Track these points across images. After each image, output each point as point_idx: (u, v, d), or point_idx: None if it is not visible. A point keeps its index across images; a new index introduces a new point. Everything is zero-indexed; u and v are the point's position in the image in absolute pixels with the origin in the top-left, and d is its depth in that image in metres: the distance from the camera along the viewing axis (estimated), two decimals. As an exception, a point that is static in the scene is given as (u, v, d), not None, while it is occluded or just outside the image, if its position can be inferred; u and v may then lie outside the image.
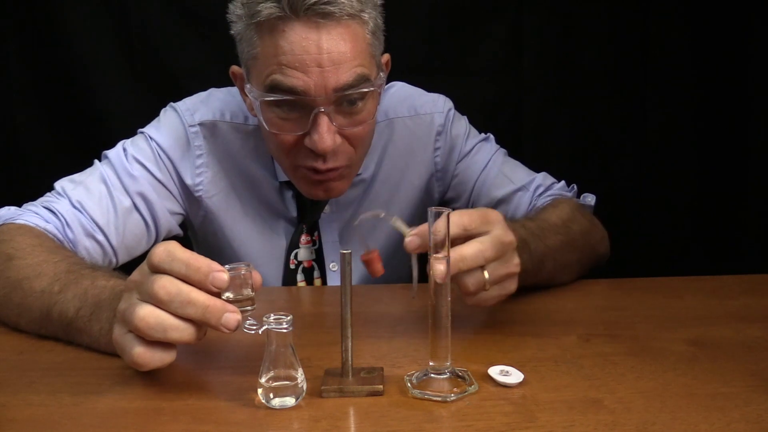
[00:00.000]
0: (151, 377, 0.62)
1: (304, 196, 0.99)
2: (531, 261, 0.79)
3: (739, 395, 0.59)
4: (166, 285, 0.57)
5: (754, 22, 1.48)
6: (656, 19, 1.51)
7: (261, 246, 1.05)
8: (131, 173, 0.96)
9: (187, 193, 1.02)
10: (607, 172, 1.53)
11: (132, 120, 1.41)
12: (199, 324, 0.58)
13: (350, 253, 0.59)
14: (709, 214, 1.57)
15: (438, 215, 0.58)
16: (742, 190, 1.54)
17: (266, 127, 0.90)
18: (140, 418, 0.56)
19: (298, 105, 0.86)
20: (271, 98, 0.86)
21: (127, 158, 0.97)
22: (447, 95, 1.11)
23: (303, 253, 1.04)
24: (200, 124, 1.01)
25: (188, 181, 1.01)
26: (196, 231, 1.08)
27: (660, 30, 1.52)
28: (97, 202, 0.94)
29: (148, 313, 0.57)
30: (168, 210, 1.00)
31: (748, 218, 1.54)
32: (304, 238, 1.04)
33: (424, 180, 1.09)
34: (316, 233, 1.05)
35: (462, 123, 1.11)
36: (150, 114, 1.02)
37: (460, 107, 1.11)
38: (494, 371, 0.62)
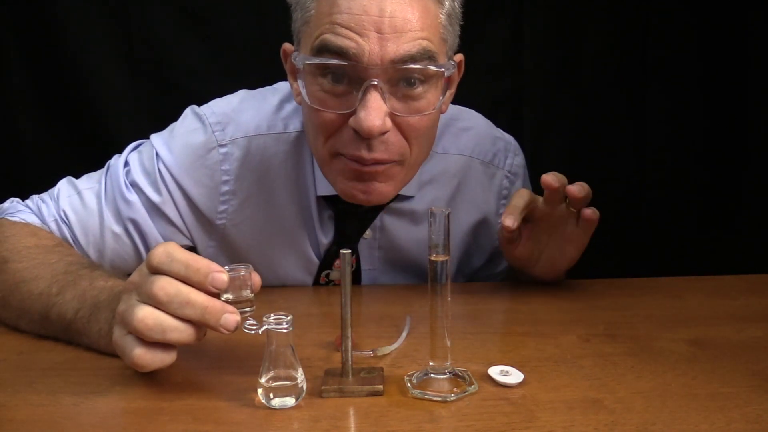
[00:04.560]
0: (151, 377, 0.62)
1: (344, 218, 0.92)
2: None
3: (739, 395, 0.59)
4: (165, 286, 0.57)
5: (754, 21, 1.48)
6: (657, 18, 1.51)
7: (287, 270, 0.96)
8: (126, 198, 0.89)
9: (200, 220, 0.92)
10: (607, 171, 1.53)
11: (132, 120, 1.41)
12: (198, 325, 0.58)
13: (350, 252, 0.59)
14: (710, 213, 1.57)
15: (437, 215, 0.58)
16: (743, 190, 1.54)
17: (308, 101, 0.78)
18: (140, 418, 0.56)
19: (347, 75, 0.75)
20: (317, 61, 0.75)
21: (126, 177, 0.90)
22: None
23: (336, 275, 0.97)
24: (233, 143, 0.90)
25: (205, 208, 0.91)
26: (203, 255, 0.96)
27: (661, 29, 1.52)
28: (84, 218, 0.89)
29: (147, 314, 0.57)
30: (164, 237, 0.91)
31: (748, 218, 1.54)
32: (338, 261, 0.95)
33: (473, 225, 1.01)
34: (354, 256, 0.95)
35: (525, 182, 1.05)
36: (150, 114, 0.99)
37: (461, 106, 1.10)
38: (494, 371, 0.62)
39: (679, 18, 1.51)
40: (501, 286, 0.99)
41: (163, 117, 1.01)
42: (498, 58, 1.51)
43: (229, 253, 0.95)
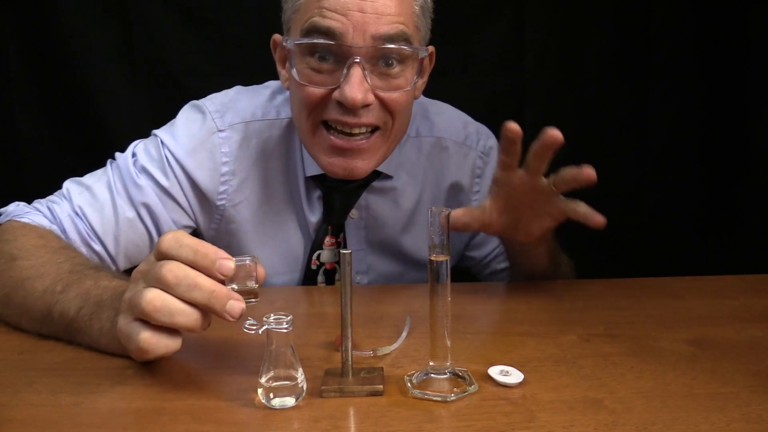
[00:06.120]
0: (151, 377, 0.63)
1: (331, 195, 0.97)
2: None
3: (739, 395, 0.59)
4: (173, 269, 0.58)
5: (755, 25, 1.48)
6: (659, 20, 1.51)
7: (281, 248, 1.01)
8: (137, 183, 0.93)
9: (203, 202, 0.98)
10: (609, 172, 1.53)
11: (132, 120, 1.41)
12: (205, 310, 0.59)
13: (350, 253, 0.59)
14: (710, 214, 1.57)
15: (437, 214, 0.58)
16: (743, 190, 1.54)
17: (297, 78, 0.86)
18: (140, 418, 0.56)
19: (333, 54, 0.84)
20: (307, 41, 0.84)
21: (135, 166, 0.94)
22: (447, 95, 1.11)
23: (326, 255, 1.01)
24: (231, 128, 0.97)
25: (207, 189, 0.97)
26: (204, 237, 1.01)
27: (662, 31, 1.52)
28: (99, 210, 0.92)
29: (154, 296, 0.58)
30: (174, 221, 0.96)
31: (748, 219, 1.54)
32: (328, 239, 1.01)
33: (446, 191, 1.06)
34: (341, 235, 1.01)
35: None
36: (150, 113, 1.01)
37: (461, 107, 1.11)
38: (494, 371, 0.62)
39: (681, 20, 1.51)
40: (501, 286, 1.00)
41: (163, 117, 1.01)
42: (498, 58, 1.52)
43: (227, 236, 1.00)
